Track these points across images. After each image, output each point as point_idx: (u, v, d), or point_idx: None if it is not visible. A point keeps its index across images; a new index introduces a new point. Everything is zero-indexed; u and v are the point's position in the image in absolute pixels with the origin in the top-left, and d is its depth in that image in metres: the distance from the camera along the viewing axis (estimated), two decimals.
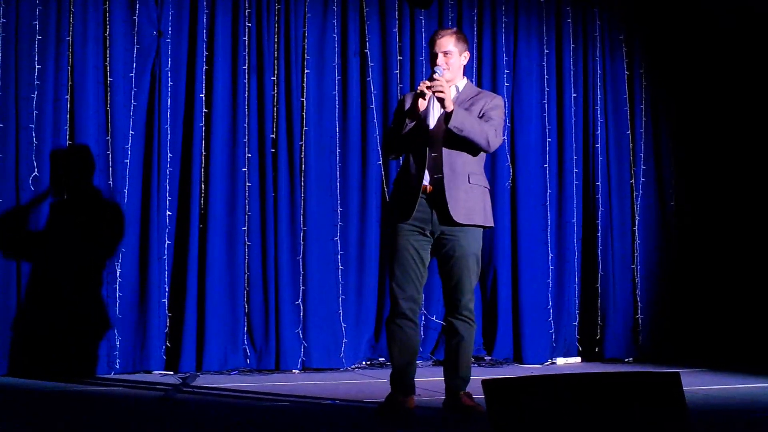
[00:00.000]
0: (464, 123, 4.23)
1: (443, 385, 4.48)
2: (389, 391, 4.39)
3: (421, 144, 4.34)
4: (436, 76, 4.25)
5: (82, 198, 5.92)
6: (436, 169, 4.31)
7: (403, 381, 4.36)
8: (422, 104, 4.27)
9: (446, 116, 4.24)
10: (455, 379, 4.39)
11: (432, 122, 4.37)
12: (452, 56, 4.36)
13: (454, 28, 4.73)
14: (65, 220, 5.85)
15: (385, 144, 4.53)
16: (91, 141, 5.95)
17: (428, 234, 4.33)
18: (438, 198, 4.30)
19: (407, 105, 4.39)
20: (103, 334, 5.86)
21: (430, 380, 5.27)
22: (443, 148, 4.31)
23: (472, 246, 4.35)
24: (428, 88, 4.20)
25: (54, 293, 5.77)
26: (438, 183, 4.30)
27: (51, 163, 5.86)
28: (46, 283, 5.78)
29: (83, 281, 5.85)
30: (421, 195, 4.30)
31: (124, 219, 5.97)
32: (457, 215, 4.28)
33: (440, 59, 4.34)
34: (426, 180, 4.32)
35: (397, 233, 4.35)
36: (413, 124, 4.29)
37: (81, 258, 5.85)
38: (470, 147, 4.34)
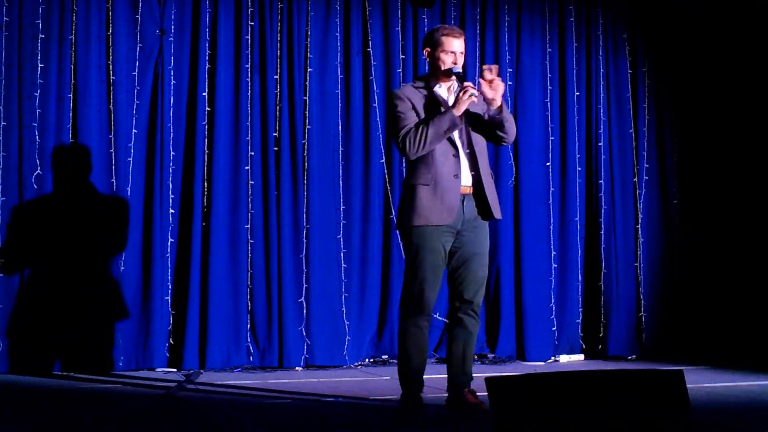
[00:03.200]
0: (509, 115, 4.35)
1: (445, 383, 4.47)
2: (403, 392, 4.30)
3: (452, 143, 4.31)
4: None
5: (84, 196, 5.93)
6: (473, 167, 4.33)
7: (418, 381, 4.33)
8: (466, 104, 4.26)
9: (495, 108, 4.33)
10: (461, 376, 4.38)
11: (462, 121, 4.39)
12: (462, 57, 4.40)
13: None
14: (68, 218, 5.86)
15: (414, 143, 4.22)
16: (94, 139, 5.96)
17: (455, 233, 4.34)
18: (479, 195, 4.33)
19: (414, 101, 4.33)
20: (106, 332, 5.86)
21: (432, 377, 5.27)
22: (474, 146, 4.34)
23: (487, 242, 4.43)
24: (491, 81, 4.23)
25: (56, 291, 5.78)
26: (477, 180, 4.33)
27: (54, 161, 5.86)
28: (48, 281, 5.78)
29: (86, 279, 5.86)
30: (460, 195, 4.30)
31: (127, 217, 5.97)
32: (495, 210, 4.36)
33: (458, 59, 4.35)
34: (468, 179, 4.32)
35: (430, 235, 4.25)
36: (461, 124, 4.28)
37: (84, 256, 5.86)
38: (495, 141, 4.43)
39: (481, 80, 4.28)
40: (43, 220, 5.82)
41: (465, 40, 4.41)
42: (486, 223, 4.39)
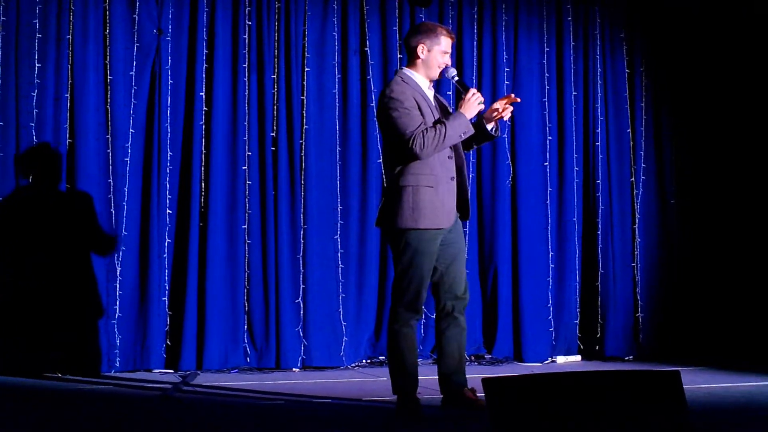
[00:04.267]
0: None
1: (437, 383, 4.47)
2: (399, 392, 4.29)
3: (450, 148, 4.34)
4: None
5: (81, 196, 5.92)
6: (459, 170, 4.37)
7: (414, 380, 4.32)
8: (476, 110, 4.33)
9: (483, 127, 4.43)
10: (461, 375, 4.39)
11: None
12: None
13: None
14: (65, 218, 5.86)
15: (432, 143, 4.16)
16: (91, 139, 5.95)
17: (444, 235, 4.35)
18: (462, 198, 4.38)
19: (416, 98, 4.29)
20: (103, 333, 5.86)
21: (428, 378, 5.26)
22: (460, 149, 4.40)
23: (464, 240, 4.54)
24: (506, 107, 4.36)
25: (53, 291, 5.77)
26: (462, 184, 4.39)
27: (51, 161, 5.85)
28: (45, 281, 5.77)
29: (83, 279, 5.85)
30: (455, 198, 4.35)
31: (125, 217, 5.97)
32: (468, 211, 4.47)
33: (448, 60, 4.38)
34: (456, 181, 4.36)
35: (428, 238, 4.25)
36: (472, 132, 4.33)
37: (81, 256, 5.85)
38: (465, 148, 4.50)
39: (501, 100, 4.39)
40: (40, 220, 5.81)
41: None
42: (461, 222, 4.47)
